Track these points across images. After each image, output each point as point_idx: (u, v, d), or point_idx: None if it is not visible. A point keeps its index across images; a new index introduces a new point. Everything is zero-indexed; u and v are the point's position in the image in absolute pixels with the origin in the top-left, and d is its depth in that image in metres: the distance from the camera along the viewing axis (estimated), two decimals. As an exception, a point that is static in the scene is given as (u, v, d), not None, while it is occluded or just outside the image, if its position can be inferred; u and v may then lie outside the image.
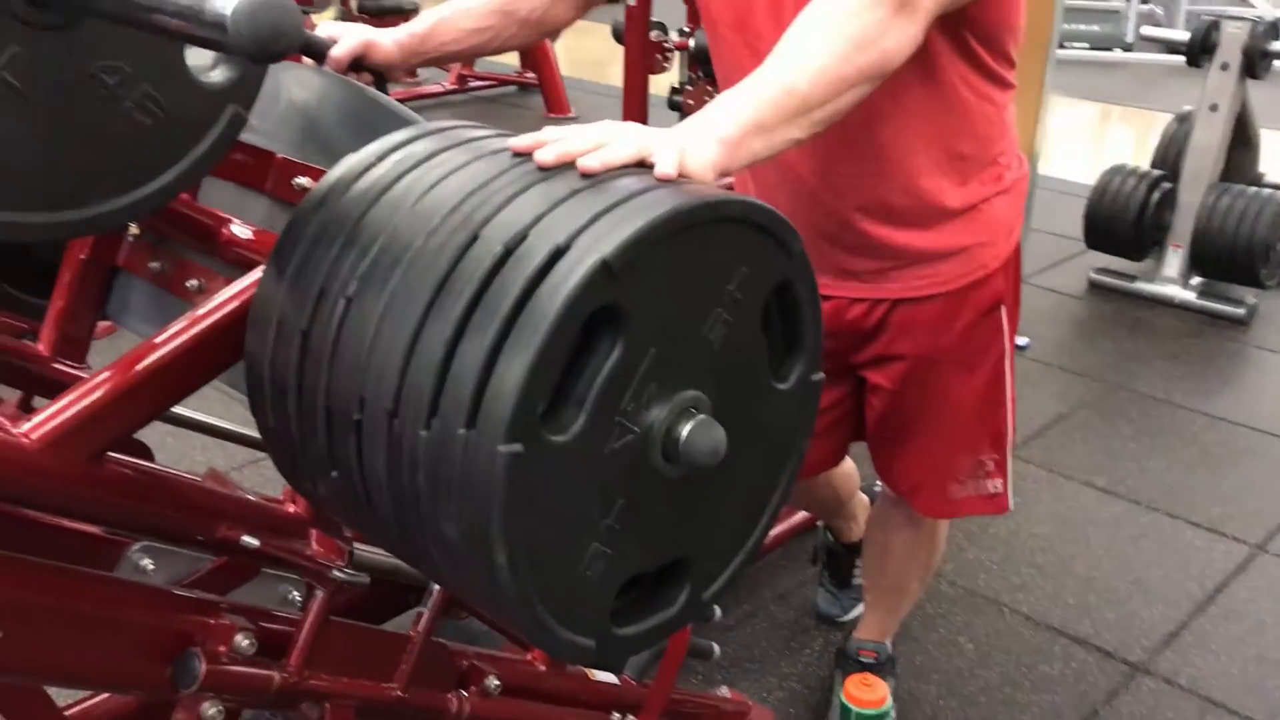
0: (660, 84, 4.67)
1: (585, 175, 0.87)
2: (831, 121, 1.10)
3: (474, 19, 1.47)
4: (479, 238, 0.82)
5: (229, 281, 1.02)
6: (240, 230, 1.17)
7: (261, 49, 0.68)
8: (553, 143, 0.90)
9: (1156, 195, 3.94)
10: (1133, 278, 4.05)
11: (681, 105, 4.34)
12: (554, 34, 1.58)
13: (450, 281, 0.81)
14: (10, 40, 0.79)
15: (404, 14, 5.87)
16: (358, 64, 1.38)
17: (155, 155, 0.91)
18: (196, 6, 0.68)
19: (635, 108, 4.74)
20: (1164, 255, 3.99)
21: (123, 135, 0.88)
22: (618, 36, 4.76)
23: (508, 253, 0.80)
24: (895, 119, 1.36)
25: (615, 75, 4.99)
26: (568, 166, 0.89)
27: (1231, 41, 3.84)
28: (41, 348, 1.30)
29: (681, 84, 4.41)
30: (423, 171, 0.90)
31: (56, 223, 0.88)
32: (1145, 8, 8.28)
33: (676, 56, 4.64)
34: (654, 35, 4.63)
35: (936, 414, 1.63)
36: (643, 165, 0.92)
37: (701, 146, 0.97)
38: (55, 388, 1.25)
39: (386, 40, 1.40)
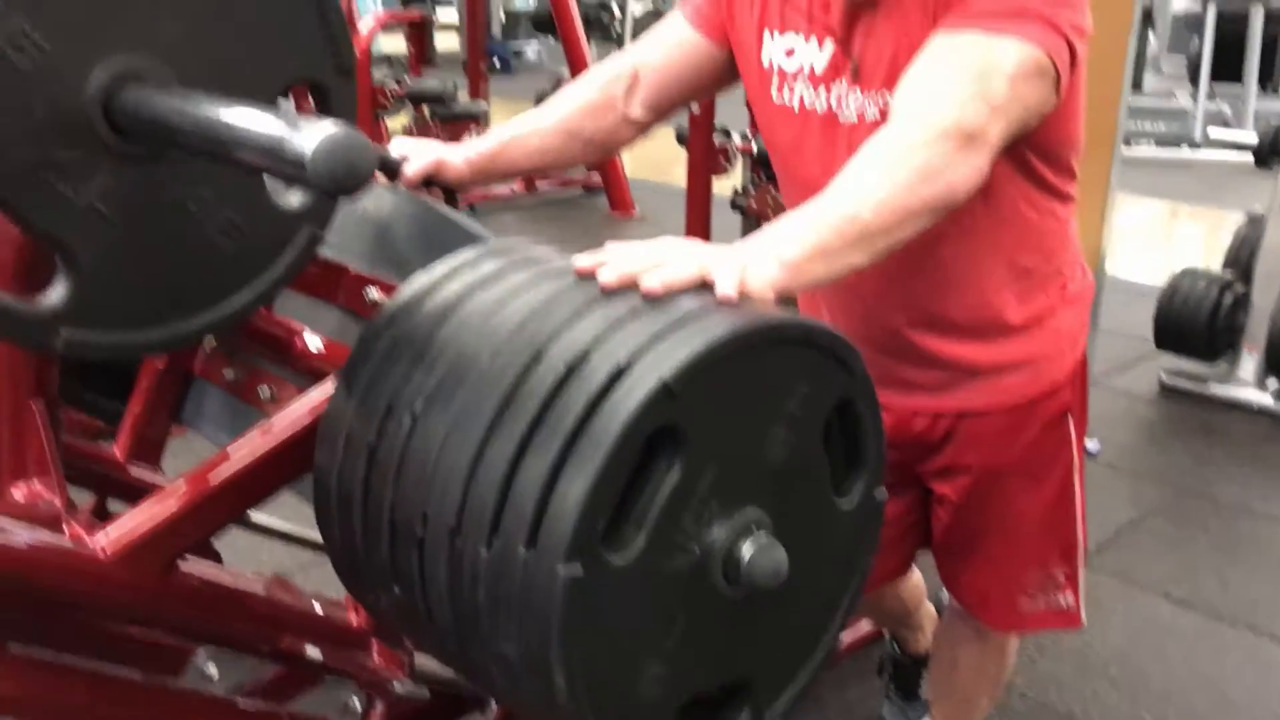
0: (724, 184, 4.73)
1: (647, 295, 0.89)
2: (894, 249, 1.10)
3: (541, 139, 1.50)
4: (542, 357, 0.83)
5: (300, 390, 1.05)
6: (312, 341, 1.20)
7: (338, 185, 0.71)
8: (615, 262, 0.91)
9: (1229, 298, 3.88)
10: (1205, 380, 3.98)
11: (744, 208, 4.38)
12: (617, 152, 1.62)
13: (513, 400, 0.82)
14: (101, 171, 0.83)
15: (475, 119, 6.04)
16: (429, 181, 1.42)
17: (234, 276, 0.95)
18: (277, 146, 0.71)
19: (698, 209, 4.82)
20: (1238, 358, 3.91)
21: (204, 258, 0.92)
22: (681, 140, 4.86)
23: (570, 372, 0.81)
24: (957, 238, 1.36)
25: (679, 176, 5.07)
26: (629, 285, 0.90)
27: (1301, 144, 3.82)
28: (117, 451, 1.34)
29: (744, 187, 4.47)
30: (489, 291, 0.92)
31: (137, 341, 0.91)
32: (1212, 106, 8.26)
33: (739, 159, 4.71)
34: (717, 140, 4.73)
35: (1004, 526, 1.60)
36: (704, 283, 0.93)
37: (763, 266, 0.98)
38: (130, 491, 1.29)
39: (457, 158, 1.44)
